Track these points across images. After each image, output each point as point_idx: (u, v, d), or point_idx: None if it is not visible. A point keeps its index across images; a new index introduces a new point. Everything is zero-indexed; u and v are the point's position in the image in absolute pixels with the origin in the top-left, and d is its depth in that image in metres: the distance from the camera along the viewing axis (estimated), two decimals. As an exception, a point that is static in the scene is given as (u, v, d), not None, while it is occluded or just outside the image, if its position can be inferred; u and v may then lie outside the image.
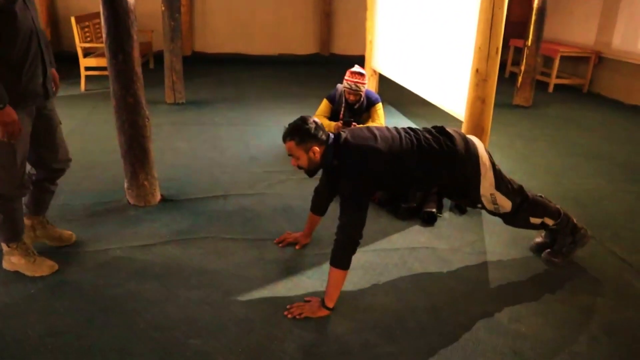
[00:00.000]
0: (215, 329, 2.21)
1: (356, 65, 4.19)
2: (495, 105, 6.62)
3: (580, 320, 2.39)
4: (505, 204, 2.62)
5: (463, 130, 3.56)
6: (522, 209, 2.66)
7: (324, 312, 2.29)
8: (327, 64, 9.20)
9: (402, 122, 5.68)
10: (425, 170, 2.48)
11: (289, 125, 2.39)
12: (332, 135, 2.42)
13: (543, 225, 2.74)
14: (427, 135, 2.52)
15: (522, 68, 6.59)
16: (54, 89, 2.53)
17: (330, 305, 2.30)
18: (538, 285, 2.66)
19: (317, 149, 2.36)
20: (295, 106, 6.09)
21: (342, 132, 2.44)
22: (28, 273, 2.54)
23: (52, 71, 2.50)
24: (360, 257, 2.79)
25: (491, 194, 2.57)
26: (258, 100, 6.36)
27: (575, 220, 2.80)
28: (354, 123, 4.10)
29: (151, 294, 2.42)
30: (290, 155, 2.42)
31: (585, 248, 3.02)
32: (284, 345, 2.12)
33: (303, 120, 2.38)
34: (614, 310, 2.48)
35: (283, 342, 2.13)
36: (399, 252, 2.86)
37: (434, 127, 2.61)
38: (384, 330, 2.23)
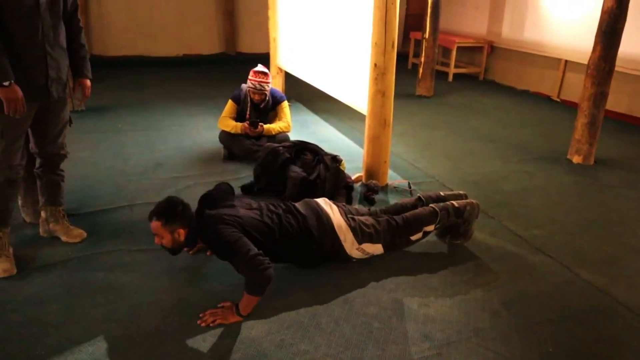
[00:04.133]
0: (123, 346, 2.12)
1: (259, 65, 4.18)
2: (399, 96, 6.88)
3: (483, 298, 2.53)
4: (376, 249, 2.71)
5: (367, 123, 3.65)
6: (397, 237, 2.74)
7: (237, 319, 2.27)
8: (233, 62, 9.09)
9: (310, 118, 5.74)
10: (286, 248, 2.54)
11: (157, 205, 2.44)
12: (194, 217, 2.48)
13: (426, 234, 2.85)
14: (289, 215, 2.59)
15: (422, 60, 6.85)
16: (81, 98, 3.06)
17: (245, 314, 2.29)
18: (444, 268, 2.78)
19: (182, 231, 2.43)
20: (201, 108, 5.98)
21: (203, 210, 2.47)
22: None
23: (84, 81, 2.86)
24: (273, 257, 2.80)
25: (357, 249, 2.65)
26: (163, 104, 6.17)
27: (456, 204, 2.90)
28: (260, 123, 4.09)
29: (52, 317, 2.28)
30: (154, 234, 2.44)
31: (485, 229, 3.21)
32: (198, 355, 2.08)
33: (171, 203, 2.44)
34: (512, 285, 2.66)
35: (197, 352, 2.09)
36: (310, 249, 2.89)
37: (287, 207, 2.67)
38: (298, 329, 2.25)
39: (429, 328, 2.29)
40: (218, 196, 2.62)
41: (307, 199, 2.80)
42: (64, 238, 2.91)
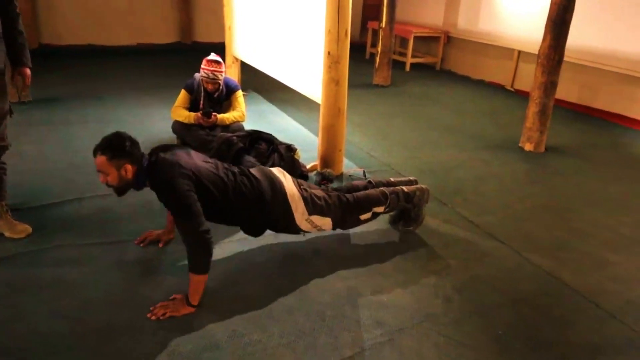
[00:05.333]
0: (72, 343, 2.05)
1: (212, 53, 4.10)
2: (357, 85, 6.91)
3: (435, 284, 2.57)
4: (325, 223, 2.68)
5: (321, 112, 3.64)
6: (347, 214, 2.74)
7: (188, 310, 2.24)
8: (189, 52, 8.91)
9: (267, 108, 5.69)
10: (237, 207, 2.47)
11: (103, 139, 2.29)
12: (146, 157, 2.35)
13: (375, 215, 2.86)
14: (244, 177, 2.53)
15: (379, 49, 6.88)
16: (21, 88, 2.90)
17: (195, 303, 2.25)
18: (398, 255, 2.81)
19: (129, 167, 2.28)
20: (156, 98, 5.84)
21: (157, 153, 2.36)
22: None
23: (23, 70, 2.79)
24: (226, 248, 2.77)
25: (306, 220, 2.62)
26: (116, 95, 6.00)
27: (405, 189, 2.93)
28: (214, 113, 4.02)
29: (-5, 316, 2.20)
30: (99, 171, 2.30)
31: (439, 215, 3.26)
32: (149, 350, 2.03)
33: (118, 136, 2.29)
34: (464, 270, 2.70)
35: (147, 346, 2.05)
36: (264, 238, 2.84)
37: (241, 169, 2.61)
38: (251, 318, 2.23)
39: (381, 314, 2.30)
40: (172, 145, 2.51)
41: (261, 166, 2.75)
42: (7, 234, 2.79)
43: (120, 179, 2.29)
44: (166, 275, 2.52)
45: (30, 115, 5.01)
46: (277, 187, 2.56)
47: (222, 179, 2.42)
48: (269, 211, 2.53)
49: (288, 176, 2.69)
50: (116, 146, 2.25)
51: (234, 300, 2.35)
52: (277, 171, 2.70)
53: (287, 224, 2.61)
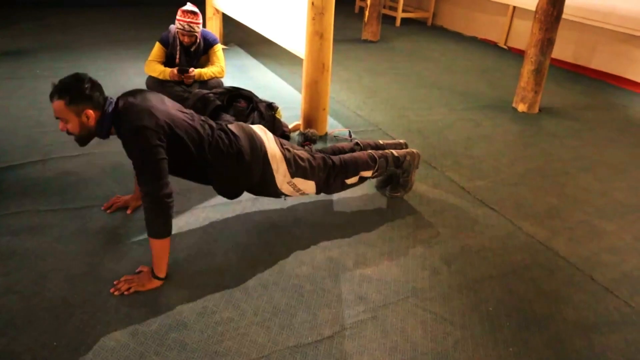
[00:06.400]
0: (24, 322, 1.87)
1: (188, 3, 3.80)
2: (344, 40, 6.63)
3: (423, 255, 2.41)
4: (308, 186, 2.49)
5: (304, 67, 3.39)
6: (332, 177, 2.55)
7: (155, 284, 2.06)
8: (169, 3, 8.46)
9: (249, 62, 5.40)
10: (212, 164, 2.24)
11: (60, 81, 2.03)
12: (111, 100, 2.11)
13: (362, 180, 2.67)
14: (222, 132, 2.30)
15: (368, 2, 6.55)
16: None
17: (162, 275, 2.07)
18: (383, 223, 2.63)
19: (91, 112, 2.04)
20: (132, 52, 5.51)
21: (126, 97, 2.11)
22: None
23: None
24: (199, 215, 2.58)
25: (288, 182, 2.42)
26: (90, 47, 5.65)
27: (395, 153, 2.74)
28: (191, 69, 3.76)
29: (-59, 290, 2.01)
30: (57, 118, 2.05)
31: (428, 180, 3.08)
32: (110, 328, 1.86)
33: (77, 78, 2.03)
34: (454, 239, 2.54)
35: (108, 325, 1.87)
36: (241, 205, 2.67)
37: (219, 125, 2.36)
38: (223, 294, 2.06)
39: (364, 289, 2.14)
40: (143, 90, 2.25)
41: (240, 122, 2.52)
42: None
43: (81, 127, 2.05)
44: (133, 245, 2.33)
45: (-5, 69, 4.69)
46: (257, 145, 2.34)
47: (198, 131, 2.18)
48: (247, 171, 2.31)
49: (270, 134, 2.47)
50: (75, 89, 2.00)
51: (205, 273, 2.17)
52: (259, 129, 2.47)
53: (267, 187, 2.41)
